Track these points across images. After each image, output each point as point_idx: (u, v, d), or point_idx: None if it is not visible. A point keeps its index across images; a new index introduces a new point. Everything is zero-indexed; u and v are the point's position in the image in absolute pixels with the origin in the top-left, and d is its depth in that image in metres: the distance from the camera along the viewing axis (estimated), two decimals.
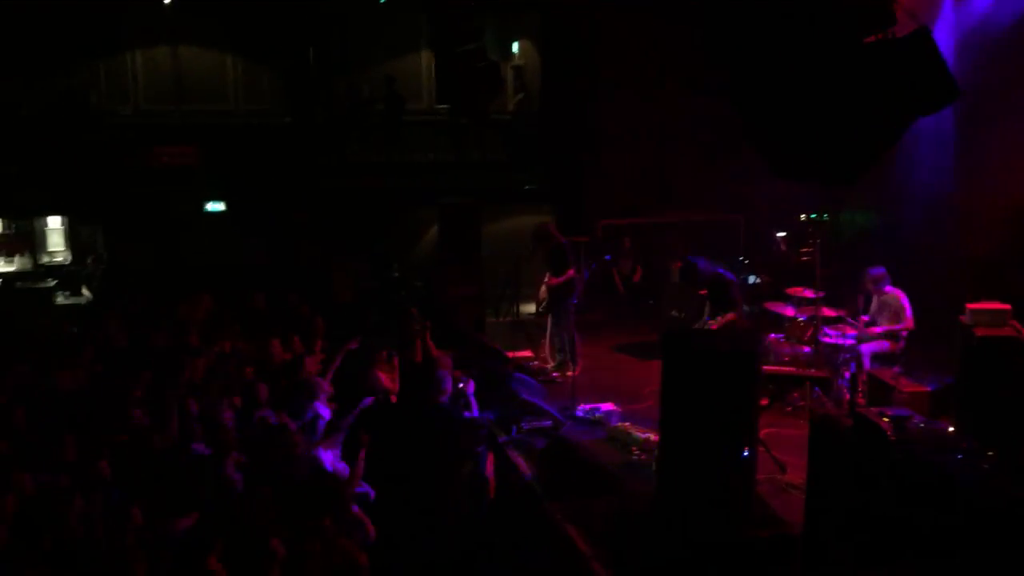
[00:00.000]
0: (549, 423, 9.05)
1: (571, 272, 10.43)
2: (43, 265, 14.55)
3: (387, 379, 8.75)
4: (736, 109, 6.61)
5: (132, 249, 13.90)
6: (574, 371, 10.37)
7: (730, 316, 9.12)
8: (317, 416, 7.75)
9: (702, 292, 10.71)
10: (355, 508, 6.79)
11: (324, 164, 14.36)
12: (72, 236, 14.83)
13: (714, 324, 9.32)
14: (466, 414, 8.09)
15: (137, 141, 14.12)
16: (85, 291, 14.34)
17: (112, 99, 15.05)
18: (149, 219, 13.75)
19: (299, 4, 14.66)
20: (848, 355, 9.00)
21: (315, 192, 14.05)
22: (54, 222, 14.71)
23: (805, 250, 10.44)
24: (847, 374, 8.90)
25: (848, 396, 8.59)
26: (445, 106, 14.68)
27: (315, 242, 13.99)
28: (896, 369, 8.80)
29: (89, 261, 14.63)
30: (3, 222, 14.50)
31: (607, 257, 11.86)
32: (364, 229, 14.39)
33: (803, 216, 11.88)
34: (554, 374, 10.58)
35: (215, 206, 14.19)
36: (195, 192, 14.03)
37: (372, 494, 7.11)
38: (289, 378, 8.78)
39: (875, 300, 9.30)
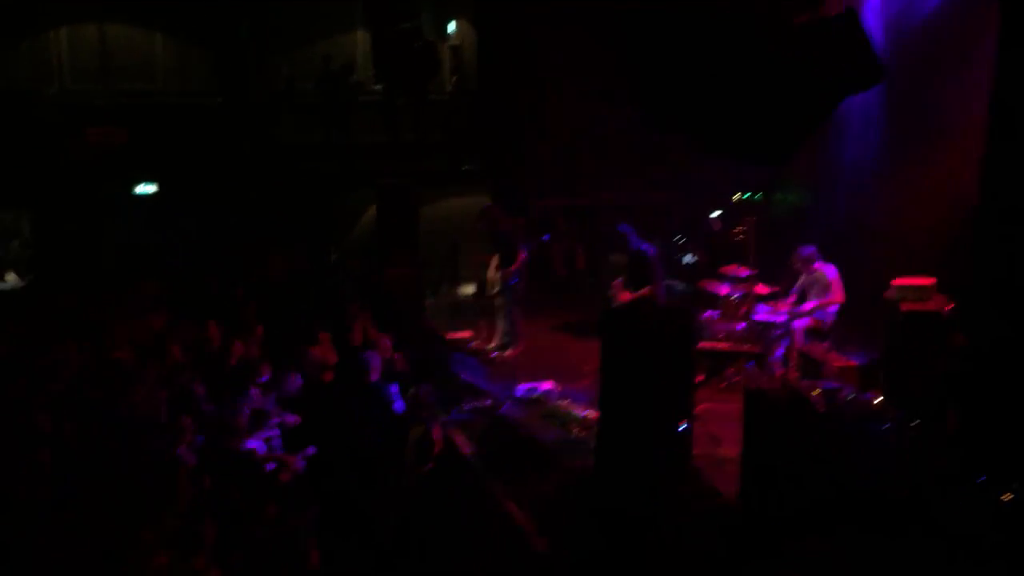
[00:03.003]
0: (489, 403, 9.11)
1: (523, 255, 10.51)
2: None
3: (321, 359, 8.74)
4: (673, 91, 6.69)
5: (60, 233, 13.52)
6: (514, 351, 10.45)
7: (644, 291, 9.25)
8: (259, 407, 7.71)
9: None
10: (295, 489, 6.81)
11: (257, 145, 14.12)
12: None
13: (626, 295, 9.46)
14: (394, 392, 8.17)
15: (63, 122, 13.71)
16: (11, 276, 13.95)
17: (36, 79, 14.57)
18: (77, 202, 13.38)
19: None
20: (780, 331, 9.21)
21: (248, 174, 13.82)
22: None
23: (739, 229, 10.59)
24: (780, 350, 9.11)
25: (781, 371, 8.79)
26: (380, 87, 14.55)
27: (250, 225, 13.77)
28: (827, 344, 9.04)
29: (15, 245, 14.21)
30: None
31: (545, 237, 11.92)
32: (300, 211, 14.21)
33: (736, 196, 12.05)
34: (493, 354, 10.64)
35: (145, 188, 13.85)
36: (124, 174, 13.69)
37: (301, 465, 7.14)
38: (225, 362, 8.70)
39: (804, 277, 9.51)
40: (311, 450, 7.28)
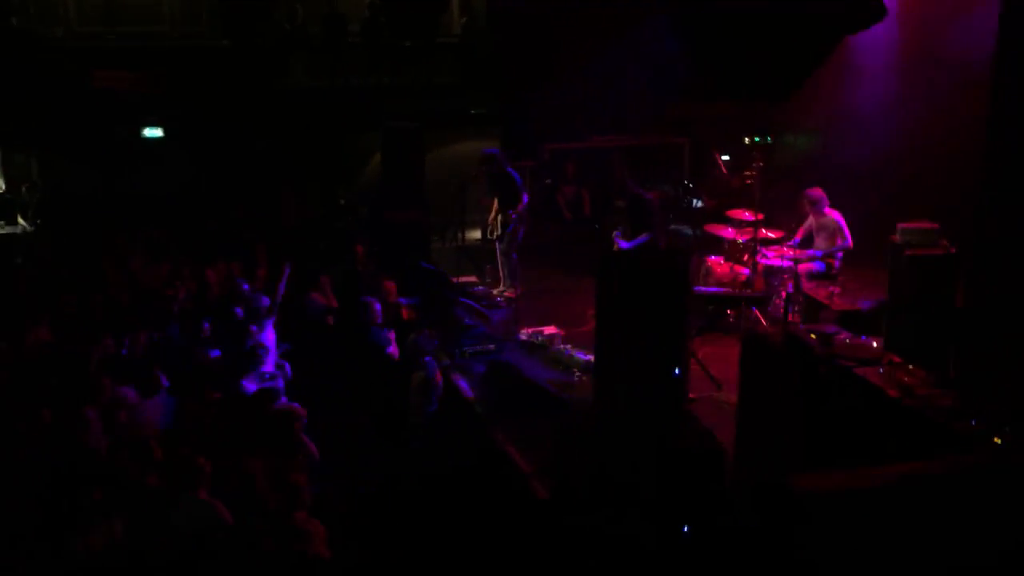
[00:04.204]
0: (492, 347, 9.12)
1: (525, 200, 10.45)
2: None
3: (323, 303, 8.77)
4: (676, 32, 6.59)
5: (68, 176, 13.53)
6: (511, 294, 10.45)
7: (643, 236, 9.20)
8: (257, 343, 7.75)
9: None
10: (300, 432, 6.85)
11: (264, 88, 14.00)
12: (5, 164, 14.40)
13: (625, 243, 9.43)
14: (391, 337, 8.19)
15: (70, 64, 13.61)
16: (21, 220, 14.02)
17: (42, 21, 14.45)
18: (85, 145, 13.36)
19: None
20: (785, 275, 9.15)
21: (256, 118, 13.73)
22: None
23: (747, 173, 10.48)
24: (784, 294, 9.06)
25: (782, 315, 8.75)
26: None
27: (258, 168, 13.73)
28: (833, 289, 8.98)
29: (24, 189, 14.24)
30: None
31: (548, 181, 11.82)
32: (308, 155, 14.14)
33: (746, 139, 11.89)
34: (498, 298, 10.64)
35: (153, 131, 13.81)
36: (132, 117, 13.64)
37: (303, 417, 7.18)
38: (227, 306, 8.75)
39: (813, 221, 9.43)
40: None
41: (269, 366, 7.52)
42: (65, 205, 13.24)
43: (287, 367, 7.76)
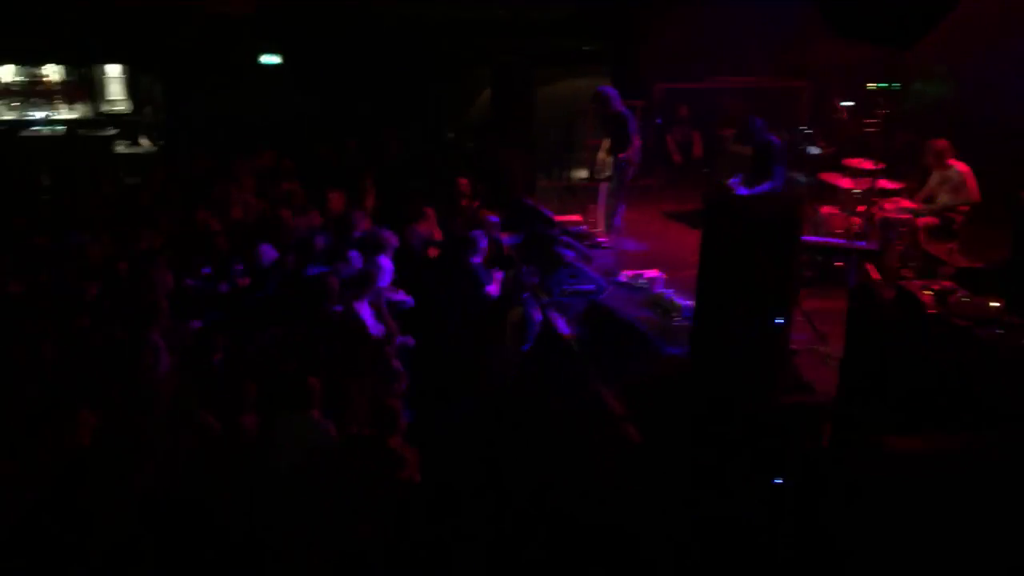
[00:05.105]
0: (592, 287, 9.07)
1: (637, 142, 10.23)
2: (103, 113, 14.70)
3: (426, 235, 8.83)
4: None
5: (189, 100, 13.91)
6: (608, 236, 10.33)
7: (766, 184, 8.92)
8: (376, 268, 7.84)
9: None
10: (394, 361, 6.99)
11: (378, 19, 14.03)
12: (131, 85, 14.89)
13: (744, 190, 9.16)
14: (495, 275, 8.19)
15: None
16: (144, 141, 14.52)
17: None
18: (205, 69, 13.69)
19: None
20: (903, 228, 8.77)
21: (369, 48, 13.80)
22: (113, 71, 14.75)
23: (869, 120, 10.01)
24: (900, 248, 8.69)
25: (896, 269, 8.42)
26: None
27: (368, 99, 13.84)
28: (952, 245, 8.58)
29: (148, 111, 14.72)
30: (65, 69, 14.57)
31: (658, 121, 11.53)
32: (418, 88, 14.17)
33: (872, 85, 11.34)
34: (600, 239, 10.53)
35: (270, 59, 14.04)
36: (251, 43, 13.89)
37: (411, 343, 7.29)
38: (341, 231, 8.92)
39: (936, 174, 8.99)
40: (410, 340, 7.39)
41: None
42: (185, 128, 13.63)
43: (408, 298, 7.84)
